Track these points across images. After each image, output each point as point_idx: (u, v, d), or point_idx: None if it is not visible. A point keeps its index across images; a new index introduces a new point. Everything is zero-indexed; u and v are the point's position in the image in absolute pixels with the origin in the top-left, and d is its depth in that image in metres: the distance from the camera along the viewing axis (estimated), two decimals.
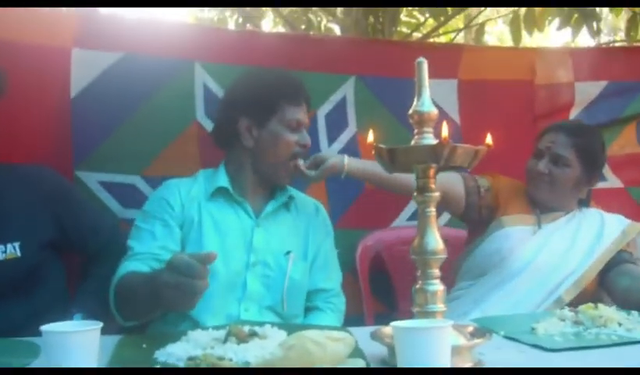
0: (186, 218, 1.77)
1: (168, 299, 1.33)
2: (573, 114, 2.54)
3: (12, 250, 1.66)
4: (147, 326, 1.76)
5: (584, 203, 2.05)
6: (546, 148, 1.95)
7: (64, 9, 2.38)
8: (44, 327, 1.08)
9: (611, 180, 2.55)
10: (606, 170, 2.43)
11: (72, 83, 2.10)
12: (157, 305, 1.43)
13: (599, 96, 2.55)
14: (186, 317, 1.72)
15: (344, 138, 2.35)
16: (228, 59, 2.22)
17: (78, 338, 1.07)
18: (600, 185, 2.26)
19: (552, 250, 1.90)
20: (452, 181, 1.94)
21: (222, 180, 1.82)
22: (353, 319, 1.99)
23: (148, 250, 1.69)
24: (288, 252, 1.79)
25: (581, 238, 1.93)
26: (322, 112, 2.34)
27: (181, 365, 1.18)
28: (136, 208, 2.04)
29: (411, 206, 2.36)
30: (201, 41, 2.25)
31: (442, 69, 2.38)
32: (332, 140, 2.34)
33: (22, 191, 1.72)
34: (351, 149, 2.31)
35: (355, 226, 2.32)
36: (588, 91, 2.55)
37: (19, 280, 1.66)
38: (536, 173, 1.95)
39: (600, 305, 1.55)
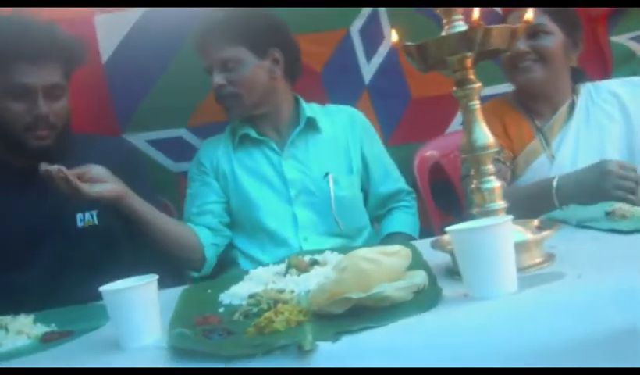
0: (218, 171, 1.86)
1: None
2: None
3: (90, 218, 1.70)
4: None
5: (580, 78, 1.86)
6: None
7: None
8: (102, 287, 1.08)
9: None
10: None
11: (101, 49, 2.10)
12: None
13: None
14: (253, 263, 1.75)
15: (383, 51, 2.26)
16: None
17: (135, 293, 1.07)
18: None
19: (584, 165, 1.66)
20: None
21: (243, 127, 1.87)
22: (420, 233, 1.96)
23: (195, 210, 1.85)
24: (327, 174, 1.78)
25: (606, 135, 1.75)
26: (355, 28, 2.24)
27: (243, 304, 1.17)
28: (187, 161, 2.06)
29: None
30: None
31: None
32: (370, 55, 2.25)
33: (102, 161, 1.73)
34: (391, 61, 2.22)
35: (408, 140, 2.25)
36: None
37: (98, 248, 1.71)
38: (519, 56, 1.73)
39: None
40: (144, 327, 1.07)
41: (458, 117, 2.28)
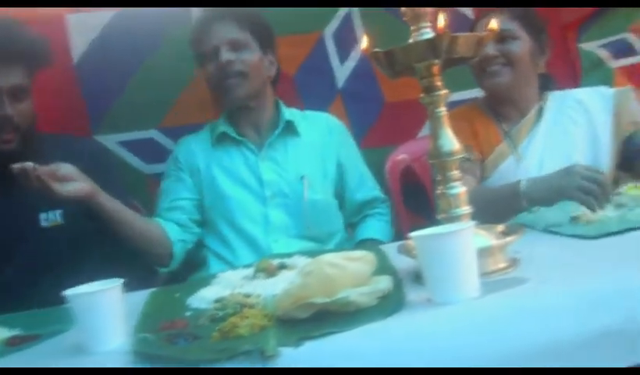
0: (192, 168, 1.87)
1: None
2: None
3: (54, 217, 1.69)
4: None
5: (549, 86, 1.89)
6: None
7: None
8: (66, 291, 1.07)
9: None
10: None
11: (73, 48, 2.08)
12: None
13: None
14: (222, 263, 1.75)
15: (356, 55, 2.27)
16: None
17: (99, 297, 1.06)
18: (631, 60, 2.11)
19: (551, 168, 1.68)
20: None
21: (222, 125, 1.87)
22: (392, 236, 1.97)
23: (167, 205, 1.86)
24: (302, 177, 1.78)
25: (572, 139, 1.79)
26: (329, 31, 2.25)
27: (210, 308, 1.17)
28: (158, 163, 2.05)
29: None
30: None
31: None
32: (343, 58, 2.26)
33: (69, 160, 1.71)
34: (364, 65, 2.23)
35: (381, 144, 2.25)
36: None
37: (64, 248, 1.68)
38: (487, 60, 1.76)
39: None
40: (109, 331, 1.06)
41: None
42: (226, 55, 1.79)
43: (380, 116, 2.28)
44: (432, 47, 1.10)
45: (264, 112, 1.89)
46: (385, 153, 2.23)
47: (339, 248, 1.84)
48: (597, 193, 1.43)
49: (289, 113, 1.90)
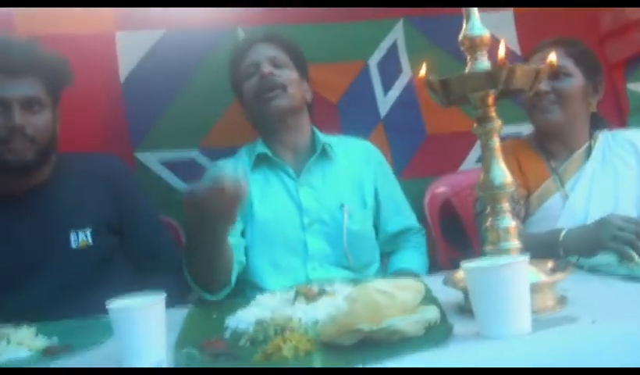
0: None
1: (209, 212, 1.36)
2: None
3: (84, 237, 1.69)
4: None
5: (600, 125, 1.87)
6: None
7: None
8: (109, 304, 1.07)
9: None
10: None
11: (121, 66, 2.11)
12: (204, 230, 1.44)
13: None
14: (256, 288, 1.72)
15: (400, 84, 2.27)
16: (269, 20, 2.16)
17: (143, 312, 1.06)
18: None
19: (598, 207, 1.71)
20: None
21: (261, 147, 1.85)
22: (428, 268, 1.94)
23: None
24: (342, 205, 1.76)
25: (621, 180, 1.76)
26: (374, 61, 2.26)
27: (250, 329, 1.16)
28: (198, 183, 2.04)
29: (478, 147, 2.25)
30: (241, 6, 2.20)
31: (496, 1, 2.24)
32: (387, 88, 2.26)
33: (91, 179, 1.75)
34: (408, 95, 2.23)
35: (421, 174, 2.23)
36: None
37: (92, 267, 1.69)
38: (539, 96, 1.74)
39: None
40: (148, 347, 1.06)
41: (471, 155, 2.29)
42: (268, 68, 1.81)
43: (421, 147, 2.27)
44: (490, 77, 1.09)
45: (302, 135, 1.88)
46: (425, 184, 2.21)
47: (374, 278, 1.81)
48: (634, 242, 1.39)
49: (325, 137, 1.89)
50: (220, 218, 1.39)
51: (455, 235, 2.18)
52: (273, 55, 1.84)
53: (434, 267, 2.01)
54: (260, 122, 1.89)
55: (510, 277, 0.94)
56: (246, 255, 1.80)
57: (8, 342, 1.27)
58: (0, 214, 1.67)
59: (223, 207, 1.36)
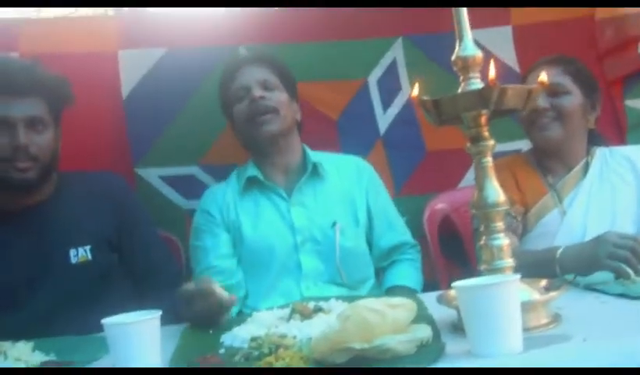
0: (229, 221, 1.83)
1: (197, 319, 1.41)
2: None
3: (84, 253, 1.70)
4: None
5: (597, 142, 1.88)
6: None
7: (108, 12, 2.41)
8: (104, 320, 1.08)
9: None
10: None
11: (123, 84, 2.13)
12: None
13: None
14: (250, 309, 1.72)
15: (399, 102, 2.27)
16: (271, 38, 2.18)
17: (137, 328, 1.07)
18: None
19: (595, 223, 1.71)
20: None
21: (252, 169, 1.87)
22: (426, 285, 1.94)
23: (205, 267, 1.78)
24: (334, 223, 1.77)
25: (618, 196, 1.76)
26: (374, 78, 2.27)
27: (245, 346, 1.16)
28: (198, 199, 2.06)
29: None
30: (243, 24, 2.23)
31: (494, 17, 2.26)
32: (386, 105, 2.27)
33: (92, 197, 1.77)
34: (408, 112, 2.24)
35: (420, 191, 2.24)
36: None
37: (91, 283, 1.70)
38: (538, 113, 1.76)
39: None
40: (143, 362, 1.07)
41: (471, 172, 2.28)
42: (258, 91, 1.82)
43: (421, 164, 2.28)
44: (481, 97, 1.10)
45: (292, 156, 1.89)
46: (425, 201, 2.22)
47: (369, 294, 1.81)
48: (630, 260, 1.39)
49: (315, 156, 1.90)
50: (205, 321, 1.39)
51: (454, 252, 2.18)
52: (263, 77, 1.86)
53: (432, 284, 2.01)
54: (251, 144, 1.90)
55: (500, 296, 0.94)
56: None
57: (6, 357, 1.28)
58: (2, 230, 1.68)
59: (210, 311, 1.38)
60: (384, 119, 2.27)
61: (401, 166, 2.25)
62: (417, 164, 2.28)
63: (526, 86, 1.14)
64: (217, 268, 1.77)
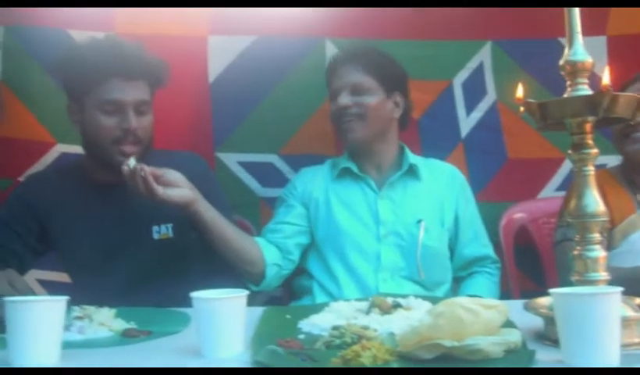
0: (309, 198, 1.90)
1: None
2: None
3: (166, 231, 1.75)
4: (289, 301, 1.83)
5: None
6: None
7: None
8: (193, 293, 1.10)
9: None
10: None
11: (210, 69, 2.17)
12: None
13: None
14: (327, 295, 1.75)
15: (483, 106, 2.24)
16: (358, 33, 2.18)
17: (225, 304, 1.08)
18: None
19: None
20: None
21: (345, 161, 1.90)
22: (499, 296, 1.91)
23: (267, 227, 1.91)
24: (419, 221, 1.76)
25: None
26: (459, 81, 2.25)
27: (325, 335, 1.16)
28: (274, 187, 2.09)
29: (559, 176, 2.23)
30: (331, 18, 2.23)
31: (589, 26, 2.18)
32: (470, 109, 2.24)
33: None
34: (491, 118, 2.21)
35: (498, 198, 2.20)
36: None
37: (172, 259, 1.75)
38: (632, 126, 1.69)
39: None
40: (228, 339, 1.08)
41: (551, 183, 2.24)
42: (345, 99, 1.83)
43: (501, 170, 2.24)
44: (590, 103, 1.07)
45: (387, 154, 1.91)
46: (502, 209, 2.18)
47: (445, 298, 1.79)
48: None
49: (413, 158, 1.90)
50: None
51: (528, 264, 2.14)
52: (355, 81, 1.86)
53: (504, 294, 1.97)
54: (343, 140, 1.94)
55: (603, 307, 0.92)
56: (315, 262, 1.85)
57: (91, 320, 1.32)
58: (95, 200, 1.76)
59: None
60: (466, 123, 2.24)
61: (480, 172, 2.22)
62: (497, 171, 2.24)
63: (637, 95, 1.10)
64: (280, 228, 1.87)
